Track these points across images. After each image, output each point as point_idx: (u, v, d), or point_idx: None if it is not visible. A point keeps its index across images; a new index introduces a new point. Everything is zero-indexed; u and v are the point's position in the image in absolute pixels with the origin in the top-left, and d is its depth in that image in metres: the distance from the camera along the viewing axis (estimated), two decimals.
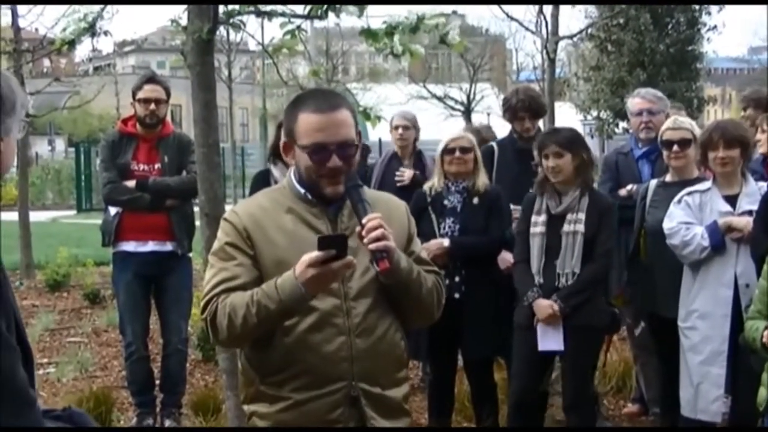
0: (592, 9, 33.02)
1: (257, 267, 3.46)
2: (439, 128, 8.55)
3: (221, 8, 5.68)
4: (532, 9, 15.82)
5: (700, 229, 5.78)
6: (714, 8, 34.14)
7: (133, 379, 7.32)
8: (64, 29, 7.06)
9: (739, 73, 73.05)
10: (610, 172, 7.07)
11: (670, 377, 6.17)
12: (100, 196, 27.71)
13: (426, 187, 6.62)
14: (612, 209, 6.05)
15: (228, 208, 4.63)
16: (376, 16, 6.03)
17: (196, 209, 6.31)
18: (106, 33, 8.43)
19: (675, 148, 6.21)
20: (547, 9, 13.93)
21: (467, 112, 49.05)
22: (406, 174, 8.01)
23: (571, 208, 5.93)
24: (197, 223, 6.65)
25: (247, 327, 3.37)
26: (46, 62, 40.33)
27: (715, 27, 34.79)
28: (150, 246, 7.12)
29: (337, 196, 3.49)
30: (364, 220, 3.36)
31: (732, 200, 5.83)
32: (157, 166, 7.11)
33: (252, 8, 5.76)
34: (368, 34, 5.93)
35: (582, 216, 5.89)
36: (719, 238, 5.74)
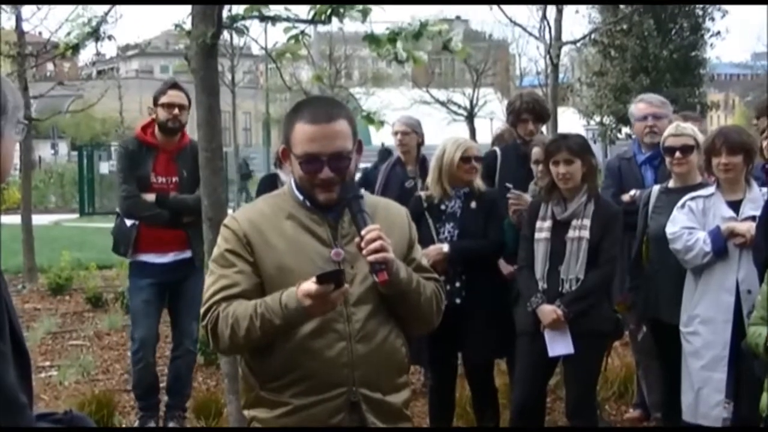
0: (595, 14, 33.10)
1: (257, 273, 3.46)
2: (443, 133, 8.54)
3: (225, 13, 5.69)
4: (536, 14, 15.88)
5: (702, 234, 5.78)
6: (717, 14, 34.24)
7: (139, 384, 7.29)
8: (68, 33, 7.07)
9: (742, 79, 72.99)
10: (613, 177, 7.07)
11: (671, 382, 6.17)
12: (103, 200, 27.72)
13: (423, 193, 6.59)
14: (618, 217, 6.04)
15: (231, 212, 4.63)
16: (380, 22, 6.04)
17: None
18: (109, 37, 8.44)
19: (677, 154, 6.21)
20: (551, 14, 13.95)
21: (470, 117, 49.06)
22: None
23: (577, 215, 5.92)
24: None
25: (250, 338, 3.37)
26: (50, 66, 40.40)
27: (718, 33, 34.91)
28: (170, 257, 7.11)
29: (331, 203, 3.49)
30: (363, 232, 3.36)
31: (735, 206, 5.83)
32: (174, 179, 7.07)
33: (256, 13, 5.77)
34: (371, 39, 5.94)
35: (587, 222, 5.88)
36: (721, 244, 5.74)
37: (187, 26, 5.75)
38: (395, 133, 8.28)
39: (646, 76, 31.98)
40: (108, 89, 22.57)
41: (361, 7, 5.56)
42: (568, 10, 15.73)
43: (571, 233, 5.90)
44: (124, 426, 7.33)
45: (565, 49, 17.77)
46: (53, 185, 37.19)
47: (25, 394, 2.58)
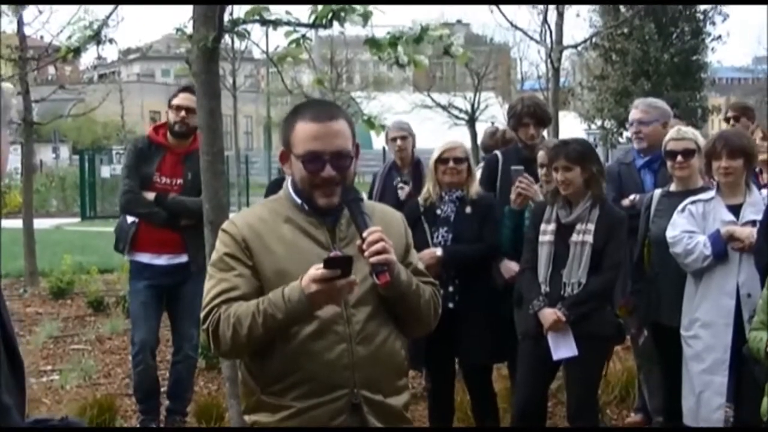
0: (596, 18, 33.12)
1: (257, 277, 3.47)
2: (444, 137, 8.60)
3: (226, 16, 5.69)
4: (537, 18, 15.87)
5: (702, 237, 5.79)
6: (718, 18, 34.21)
7: (139, 386, 7.29)
8: (69, 37, 7.07)
9: (743, 83, 72.97)
10: (613, 182, 7.05)
11: (672, 386, 6.17)
12: (104, 204, 27.74)
13: (420, 198, 6.62)
14: (623, 222, 6.03)
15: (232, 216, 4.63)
16: (381, 26, 6.04)
17: None
18: (111, 41, 8.41)
19: (678, 158, 6.22)
20: (552, 18, 13.95)
21: (471, 121, 49.02)
22: (405, 190, 8.06)
23: (581, 219, 5.92)
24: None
25: (252, 336, 3.37)
26: (51, 70, 40.49)
27: (719, 37, 34.87)
28: (164, 259, 7.14)
29: (331, 207, 3.50)
30: (365, 234, 3.37)
31: (735, 210, 5.84)
32: (179, 181, 7.09)
33: (257, 17, 5.77)
34: (372, 43, 5.95)
35: (591, 227, 5.88)
36: (722, 247, 5.74)
37: (189, 30, 5.75)
38: (393, 139, 8.31)
39: (647, 80, 31.96)
40: (109, 93, 22.62)
41: (362, 10, 5.56)
42: (569, 13, 15.74)
43: (575, 237, 5.90)
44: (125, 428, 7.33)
45: (566, 53, 17.73)
46: (54, 189, 37.15)
47: (14, 398, 2.56)
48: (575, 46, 19.62)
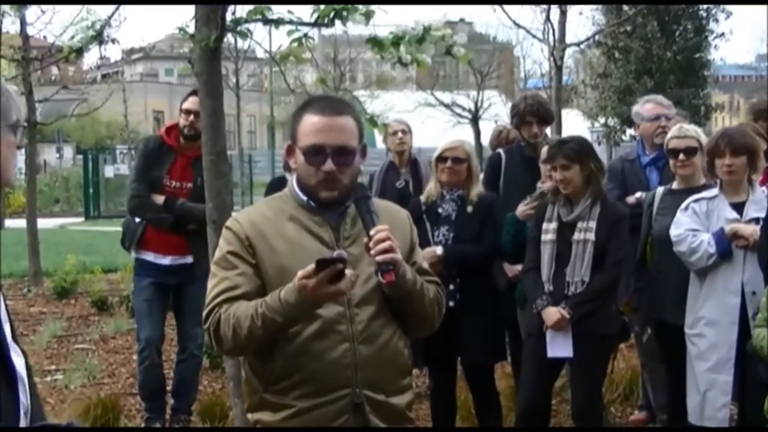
0: (599, 16, 33.08)
1: (259, 275, 3.46)
2: (447, 136, 8.59)
3: (229, 16, 5.69)
4: (540, 16, 15.87)
5: (707, 236, 5.78)
6: (722, 15, 34.16)
7: (145, 384, 7.30)
8: (72, 37, 7.08)
9: (746, 81, 72.89)
10: (616, 180, 7.05)
11: (676, 384, 6.16)
12: (108, 204, 27.75)
13: (423, 196, 6.63)
14: (624, 219, 6.03)
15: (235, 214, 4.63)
16: (384, 25, 6.05)
17: None
18: (113, 41, 8.45)
19: (681, 156, 6.21)
20: (554, 16, 13.97)
21: (475, 120, 49.03)
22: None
23: (582, 217, 5.92)
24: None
25: (253, 338, 3.37)
26: (55, 70, 40.49)
27: (722, 34, 34.82)
28: (168, 260, 7.16)
29: (332, 200, 3.49)
30: (372, 232, 3.36)
31: (739, 207, 5.83)
32: (188, 185, 7.06)
33: (260, 16, 5.77)
34: (375, 43, 5.95)
35: (593, 224, 5.88)
36: (726, 245, 5.73)
37: (191, 30, 5.75)
38: (394, 133, 8.31)
39: (650, 78, 31.91)
40: (113, 93, 22.63)
41: (363, 10, 5.56)
42: (572, 12, 15.75)
43: (577, 235, 5.90)
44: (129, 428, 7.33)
45: (569, 51, 17.75)
46: (58, 189, 37.19)
47: (9, 404, 2.55)
48: (578, 44, 19.64)
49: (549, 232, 5.99)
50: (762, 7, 40.30)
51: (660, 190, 6.42)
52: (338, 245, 3.46)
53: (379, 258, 3.33)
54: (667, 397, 6.62)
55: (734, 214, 5.79)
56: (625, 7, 29.06)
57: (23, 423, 2.63)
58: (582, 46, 26.66)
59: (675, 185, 6.34)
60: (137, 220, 7.21)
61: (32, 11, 15.41)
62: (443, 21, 6.18)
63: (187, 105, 7.03)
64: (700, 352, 5.85)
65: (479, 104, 49.86)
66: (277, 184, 7.12)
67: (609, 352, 6.24)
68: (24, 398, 2.64)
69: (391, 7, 5.94)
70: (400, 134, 8.33)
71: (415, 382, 6.27)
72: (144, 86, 63.79)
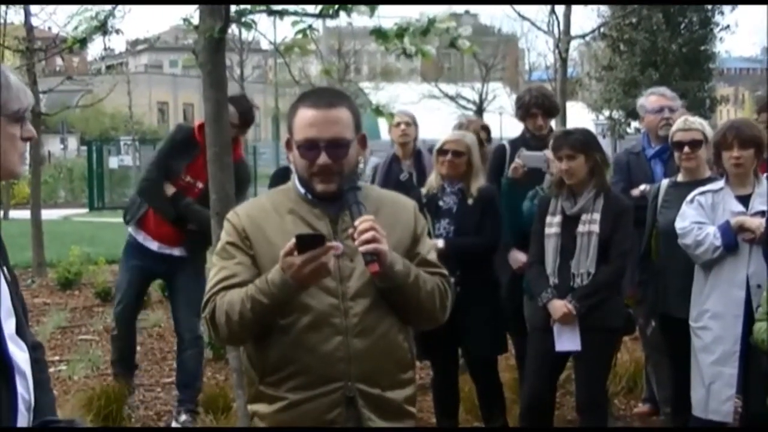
0: (604, 8, 33.03)
1: (256, 267, 3.46)
2: (451, 128, 8.62)
3: (233, 7, 5.68)
4: (545, 8, 15.85)
5: (712, 228, 5.76)
6: (727, 8, 34.14)
7: (114, 351, 7.72)
8: (76, 28, 7.08)
9: (752, 73, 72.78)
10: (622, 172, 7.04)
11: (681, 377, 6.15)
12: (112, 195, 27.69)
13: (424, 188, 6.63)
14: (629, 211, 6.02)
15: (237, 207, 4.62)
16: (388, 17, 6.03)
17: None
18: (117, 31, 8.46)
19: (686, 149, 6.19)
20: (559, 8, 13.95)
21: (479, 112, 49.03)
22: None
23: (586, 209, 5.91)
24: None
25: (244, 322, 3.37)
26: (59, 61, 40.46)
27: (728, 27, 34.82)
28: (155, 245, 7.20)
29: (328, 193, 3.47)
30: (356, 222, 3.34)
31: (745, 200, 5.81)
32: (200, 185, 6.98)
33: (263, 7, 5.76)
34: (379, 34, 5.93)
35: (597, 216, 5.88)
36: (732, 238, 5.71)
37: (196, 21, 5.74)
38: (397, 124, 8.29)
39: (655, 71, 31.90)
40: (117, 84, 22.58)
41: (367, 10, 5.56)
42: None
43: (581, 228, 5.89)
44: (132, 420, 7.33)
45: (573, 43, 17.76)
46: (62, 180, 37.26)
47: (5, 398, 2.53)
48: (583, 37, 19.63)
49: (553, 225, 5.98)
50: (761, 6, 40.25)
51: (665, 182, 6.41)
52: (336, 238, 3.45)
53: (362, 248, 3.30)
54: (671, 390, 6.61)
55: (740, 207, 5.78)
56: None
57: (25, 418, 2.62)
58: (587, 38, 26.65)
59: (680, 178, 6.32)
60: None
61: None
62: (448, 13, 6.12)
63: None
64: (705, 345, 5.84)
65: (484, 96, 49.91)
66: (281, 175, 7.11)
67: (613, 345, 6.24)
68: (25, 392, 2.62)
69: (392, 5, 5.94)
70: (403, 126, 8.31)
71: (419, 374, 6.27)
72: (148, 77, 63.75)
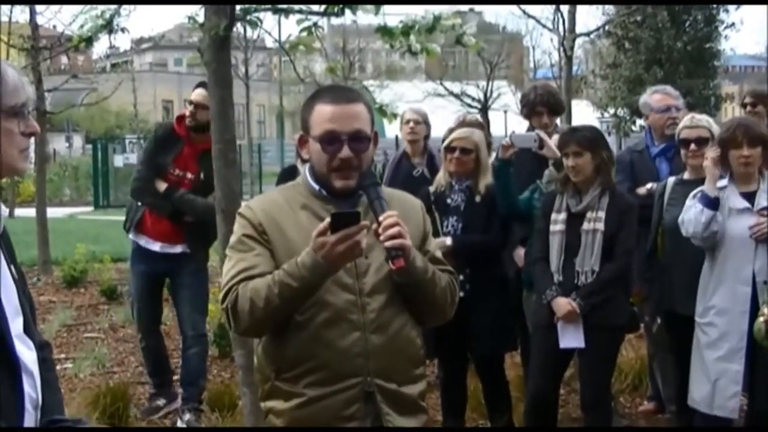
0: (609, 6, 32.93)
1: (273, 261, 3.46)
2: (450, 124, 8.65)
3: (238, 5, 5.68)
4: (549, 6, 15.83)
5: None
6: (732, 6, 34.02)
7: (146, 362, 7.72)
8: (82, 26, 7.09)
9: (756, 71, 72.65)
10: (625, 171, 7.00)
11: (686, 375, 6.14)
12: (117, 193, 27.77)
13: (432, 186, 6.63)
14: (633, 209, 6.02)
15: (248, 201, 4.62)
16: (393, 14, 6.04)
17: None
18: (123, 30, 8.44)
19: (692, 146, 6.19)
20: (564, 6, 13.95)
21: (484, 110, 49.02)
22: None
23: (591, 207, 5.91)
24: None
25: (270, 309, 3.35)
26: (64, 59, 40.54)
27: (732, 24, 34.71)
28: (158, 246, 7.25)
29: (347, 190, 3.49)
30: (380, 218, 3.35)
31: (749, 197, 5.80)
32: (190, 176, 7.12)
33: (269, 5, 5.76)
34: (384, 32, 5.94)
35: (602, 214, 5.87)
36: (708, 198, 5.71)
37: (201, 19, 5.74)
38: (407, 122, 8.28)
39: (660, 68, 31.82)
40: (122, 82, 22.61)
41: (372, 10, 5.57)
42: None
43: (586, 225, 5.89)
44: (138, 418, 7.34)
45: (578, 41, 17.71)
46: (68, 178, 37.25)
47: (11, 397, 2.53)
48: (588, 34, 19.60)
49: (558, 222, 5.98)
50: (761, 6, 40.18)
51: (671, 180, 6.40)
52: None
53: (387, 243, 3.32)
54: (676, 388, 6.61)
55: (745, 204, 5.77)
56: None
57: (32, 416, 2.62)
58: (592, 36, 26.63)
59: (686, 175, 6.32)
60: (138, 203, 7.32)
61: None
62: (453, 10, 6.14)
63: (192, 97, 7.12)
64: (710, 341, 5.83)
65: (488, 94, 49.86)
66: (288, 173, 7.15)
67: (618, 343, 6.23)
68: (32, 391, 2.62)
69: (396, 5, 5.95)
70: (411, 124, 8.30)
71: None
72: (153, 76, 63.86)
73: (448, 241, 6.32)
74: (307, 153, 3.58)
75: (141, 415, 7.36)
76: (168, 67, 75.38)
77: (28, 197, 26.54)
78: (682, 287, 6.08)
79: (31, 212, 15.37)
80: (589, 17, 58.55)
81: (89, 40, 7.09)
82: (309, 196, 3.55)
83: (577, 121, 13.06)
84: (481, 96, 49.76)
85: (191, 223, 7.06)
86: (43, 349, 2.79)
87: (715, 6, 33.71)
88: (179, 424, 7.18)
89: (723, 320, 5.76)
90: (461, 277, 6.26)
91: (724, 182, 5.88)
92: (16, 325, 2.61)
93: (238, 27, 7.90)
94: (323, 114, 3.48)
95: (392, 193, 3.73)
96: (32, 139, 2.72)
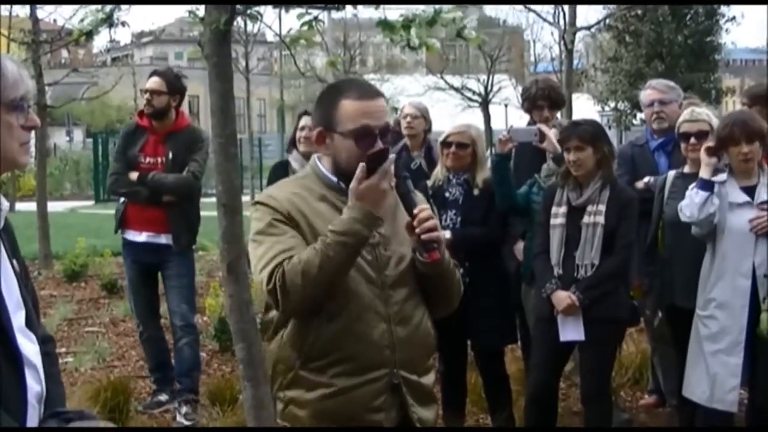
0: None
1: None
2: (457, 120, 8.59)
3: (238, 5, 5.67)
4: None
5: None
6: None
7: (148, 357, 7.80)
8: (82, 20, 7.08)
9: (758, 65, 72.50)
10: (626, 165, 7.01)
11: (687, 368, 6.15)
12: None
13: (430, 180, 6.64)
14: (634, 202, 6.03)
15: (245, 199, 4.62)
16: (394, 8, 6.03)
17: (212, 200, 6.30)
18: (123, 24, 8.51)
19: (692, 140, 6.19)
20: None
21: (485, 104, 48.98)
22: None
23: (592, 200, 5.92)
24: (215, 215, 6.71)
25: (326, 275, 3.34)
26: (65, 53, 40.45)
27: (733, 18, 34.67)
28: (143, 237, 7.40)
29: None
30: (415, 211, 3.42)
31: (749, 191, 5.80)
32: (161, 160, 7.33)
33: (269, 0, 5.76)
34: (385, 25, 5.93)
35: (602, 208, 5.88)
36: (702, 182, 5.73)
37: (201, 13, 5.74)
38: (404, 117, 8.27)
39: (660, 62, 31.78)
40: (122, 76, 22.65)
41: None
42: None
43: (586, 219, 5.90)
44: (139, 411, 7.34)
45: (579, 34, 17.71)
46: (68, 172, 37.27)
47: (14, 390, 2.53)
48: (588, 28, 19.53)
49: (558, 216, 5.98)
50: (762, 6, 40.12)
51: (671, 174, 6.40)
52: None
53: (425, 236, 3.39)
54: (677, 382, 6.61)
55: (745, 198, 5.77)
56: None
57: (35, 409, 2.62)
58: (593, 29, 26.53)
59: (686, 169, 6.32)
60: (120, 201, 7.53)
61: None
62: (453, 4, 6.14)
63: (147, 85, 7.44)
64: (711, 334, 5.83)
65: (489, 88, 49.78)
66: (280, 169, 7.20)
67: (618, 336, 6.24)
68: (35, 384, 2.62)
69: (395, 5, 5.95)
70: (408, 119, 8.28)
71: None
72: (154, 70, 63.70)
73: (448, 234, 6.32)
74: (326, 149, 3.58)
75: (142, 409, 7.37)
76: (169, 61, 75.14)
77: (28, 191, 26.52)
78: (682, 281, 6.08)
79: (31, 206, 15.37)
80: (590, 11, 58.31)
81: (90, 34, 7.10)
82: (324, 188, 3.58)
83: (577, 114, 13.03)
84: (482, 90, 49.69)
85: (174, 209, 7.22)
86: (46, 344, 2.79)
87: None
88: (178, 418, 7.19)
89: (723, 314, 5.76)
90: (461, 271, 6.26)
91: (723, 176, 5.88)
92: (17, 318, 2.61)
93: (239, 21, 7.90)
94: (355, 109, 3.49)
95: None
96: (33, 133, 2.72)
